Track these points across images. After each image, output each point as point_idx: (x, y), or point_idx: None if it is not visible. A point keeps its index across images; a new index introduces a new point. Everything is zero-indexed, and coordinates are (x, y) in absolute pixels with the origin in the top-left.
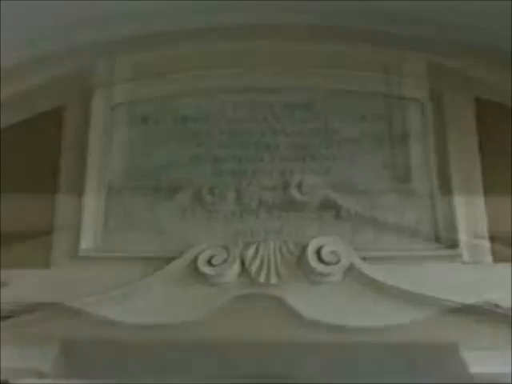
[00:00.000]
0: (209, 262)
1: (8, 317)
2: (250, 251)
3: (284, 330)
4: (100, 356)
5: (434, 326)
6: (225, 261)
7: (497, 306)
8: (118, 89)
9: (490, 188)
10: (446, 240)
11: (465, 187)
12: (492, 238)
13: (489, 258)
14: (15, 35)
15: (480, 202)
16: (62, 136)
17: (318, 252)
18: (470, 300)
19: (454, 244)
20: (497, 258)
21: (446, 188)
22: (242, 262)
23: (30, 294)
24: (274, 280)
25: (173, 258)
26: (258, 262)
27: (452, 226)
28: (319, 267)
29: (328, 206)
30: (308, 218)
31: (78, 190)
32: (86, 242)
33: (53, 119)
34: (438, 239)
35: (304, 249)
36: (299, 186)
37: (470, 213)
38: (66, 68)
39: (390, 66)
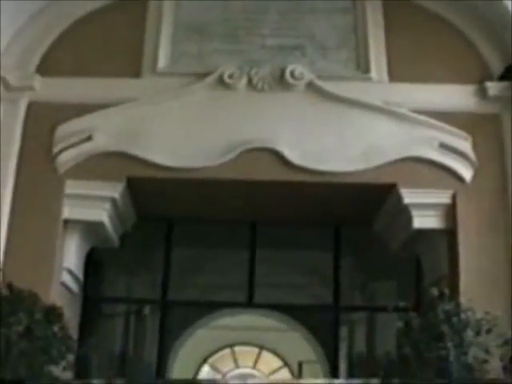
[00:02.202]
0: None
1: None
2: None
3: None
4: (154, 191)
5: (379, 170)
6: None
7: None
8: None
9: None
10: None
11: None
12: None
13: None
14: None
15: None
16: None
17: (292, 72)
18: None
19: None
20: None
21: None
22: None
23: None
24: (266, 87)
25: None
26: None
27: None
28: (291, 80)
29: None
30: None
31: None
32: None
33: None
34: None
35: (283, 70)
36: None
37: None
38: None
39: None
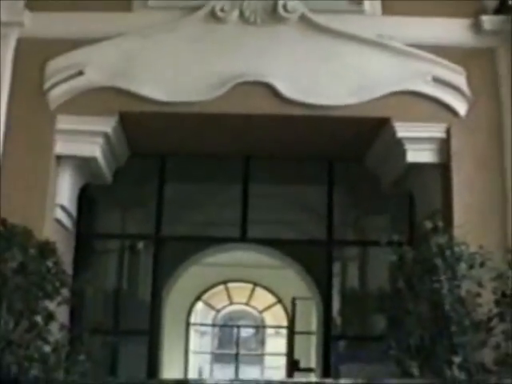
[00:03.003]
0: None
1: None
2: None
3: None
4: (147, 126)
5: (373, 104)
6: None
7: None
8: None
9: None
10: None
11: None
12: None
13: None
14: None
15: None
16: None
17: (285, 5)
18: None
19: None
20: None
21: None
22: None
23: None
24: (258, 20)
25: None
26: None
27: None
28: (283, 14)
29: None
30: None
31: None
32: None
33: None
34: None
35: (276, 3)
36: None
37: None
38: None
39: None
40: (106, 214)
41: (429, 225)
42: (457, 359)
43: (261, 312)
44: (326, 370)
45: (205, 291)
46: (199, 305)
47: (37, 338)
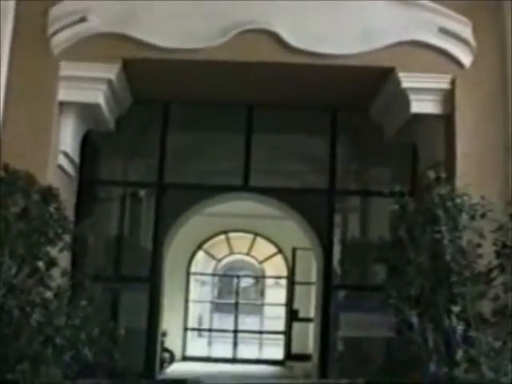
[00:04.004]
0: None
1: None
2: None
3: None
4: (150, 73)
5: (377, 53)
6: None
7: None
8: None
9: None
10: None
11: None
12: None
13: None
14: None
15: None
16: None
17: None
18: None
19: None
20: None
21: None
22: None
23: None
24: None
25: None
26: None
27: None
28: None
29: None
30: None
31: None
32: None
33: None
34: None
35: None
36: None
37: None
38: None
39: None
40: (109, 161)
41: (432, 175)
42: (456, 309)
43: (261, 262)
44: (326, 319)
45: (206, 241)
46: (200, 254)
47: (39, 284)
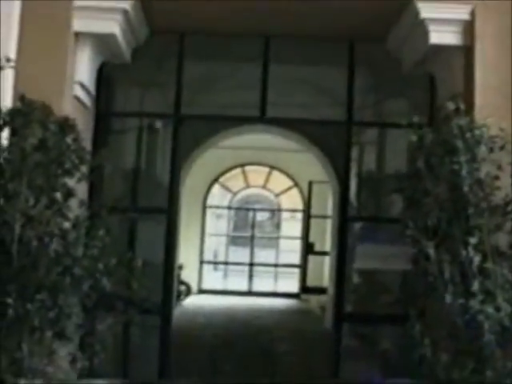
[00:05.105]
0: None
1: None
2: None
3: None
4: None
5: None
6: None
7: None
8: None
9: None
10: None
11: None
12: None
13: None
14: None
15: None
16: None
17: None
18: None
19: None
20: None
21: None
22: None
23: None
24: None
25: None
26: None
27: None
28: None
29: None
30: None
31: None
32: None
33: None
34: None
35: None
36: None
37: None
38: None
39: None
40: (125, 93)
41: (450, 106)
42: (473, 241)
43: (277, 195)
44: (342, 251)
45: (222, 174)
46: (216, 187)
47: (57, 214)
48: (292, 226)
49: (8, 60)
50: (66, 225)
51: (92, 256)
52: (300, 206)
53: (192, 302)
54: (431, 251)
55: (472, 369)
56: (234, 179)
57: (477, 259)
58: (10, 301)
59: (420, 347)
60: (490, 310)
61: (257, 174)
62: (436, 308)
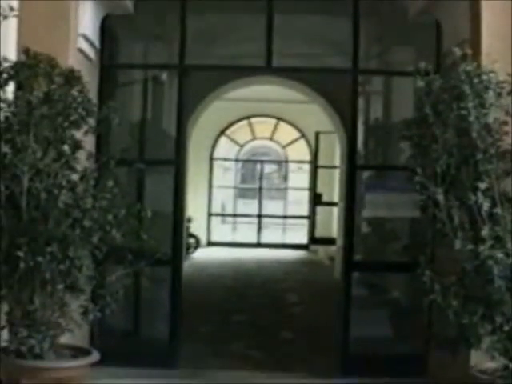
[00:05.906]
0: None
1: None
2: None
3: None
4: None
5: None
6: None
7: None
8: None
9: None
10: None
11: None
12: None
13: None
14: None
15: None
16: None
17: None
18: None
19: None
20: None
21: None
22: None
23: None
24: None
25: None
26: None
27: None
28: None
29: None
30: None
31: None
32: None
33: None
34: None
35: None
36: None
37: None
38: None
39: None
40: (129, 45)
41: (457, 52)
42: (482, 186)
43: (284, 147)
44: (351, 200)
45: (228, 126)
46: (223, 140)
47: (65, 167)
48: (300, 178)
49: (12, 9)
50: (75, 177)
51: (101, 207)
52: (307, 157)
53: (201, 254)
54: (440, 197)
55: (482, 314)
56: (241, 131)
57: (486, 205)
58: (20, 254)
59: (430, 294)
60: (499, 255)
61: (263, 125)
62: (445, 254)
